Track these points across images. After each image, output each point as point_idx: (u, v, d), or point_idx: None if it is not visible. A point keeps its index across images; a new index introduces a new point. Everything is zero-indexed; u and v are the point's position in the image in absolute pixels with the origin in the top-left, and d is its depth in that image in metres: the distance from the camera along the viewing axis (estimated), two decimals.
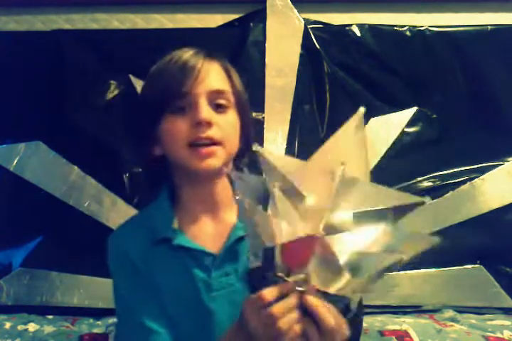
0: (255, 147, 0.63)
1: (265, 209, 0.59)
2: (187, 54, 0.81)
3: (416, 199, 0.57)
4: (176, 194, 0.88)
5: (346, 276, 0.55)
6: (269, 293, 0.58)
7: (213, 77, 0.81)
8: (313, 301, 0.57)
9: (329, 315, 0.58)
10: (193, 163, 0.78)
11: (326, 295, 0.57)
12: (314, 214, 0.57)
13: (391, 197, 0.58)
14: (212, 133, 0.77)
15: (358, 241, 0.55)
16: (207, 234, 0.84)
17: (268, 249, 0.57)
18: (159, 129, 0.81)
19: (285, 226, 0.56)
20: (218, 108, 0.80)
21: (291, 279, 0.57)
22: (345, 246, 0.55)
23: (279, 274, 0.57)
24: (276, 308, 0.57)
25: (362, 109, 0.62)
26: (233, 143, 0.82)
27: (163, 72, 0.81)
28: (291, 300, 0.58)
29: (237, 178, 0.63)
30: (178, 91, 0.78)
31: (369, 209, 0.57)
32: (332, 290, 0.57)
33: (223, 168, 0.79)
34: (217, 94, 0.80)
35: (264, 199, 0.59)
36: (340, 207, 0.57)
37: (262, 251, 0.58)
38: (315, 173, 0.59)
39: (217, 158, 0.78)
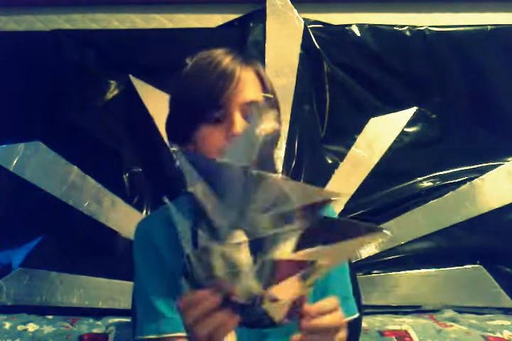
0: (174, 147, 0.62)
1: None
2: (226, 59, 0.81)
3: (328, 195, 0.53)
4: None
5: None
6: (183, 299, 0.56)
7: (249, 87, 0.81)
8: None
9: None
10: None
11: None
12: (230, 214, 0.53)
13: (303, 194, 0.54)
14: None
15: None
16: None
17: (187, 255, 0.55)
18: (194, 134, 0.82)
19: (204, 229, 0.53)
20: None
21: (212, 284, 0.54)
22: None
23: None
24: (188, 315, 0.56)
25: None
26: None
27: (201, 77, 0.81)
28: (201, 307, 0.55)
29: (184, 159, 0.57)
30: (215, 103, 0.79)
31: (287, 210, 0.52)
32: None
33: None
34: (251, 104, 0.80)
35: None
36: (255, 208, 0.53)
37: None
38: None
39: None
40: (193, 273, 0.55)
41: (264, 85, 0.84)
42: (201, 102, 0.80)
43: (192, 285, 0.56)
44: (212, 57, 0.82)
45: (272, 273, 0.52)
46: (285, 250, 0.52)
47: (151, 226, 0.90)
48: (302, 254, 0.52)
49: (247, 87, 0.81)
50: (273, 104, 0.86)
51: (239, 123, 0.78)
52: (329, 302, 0.60)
